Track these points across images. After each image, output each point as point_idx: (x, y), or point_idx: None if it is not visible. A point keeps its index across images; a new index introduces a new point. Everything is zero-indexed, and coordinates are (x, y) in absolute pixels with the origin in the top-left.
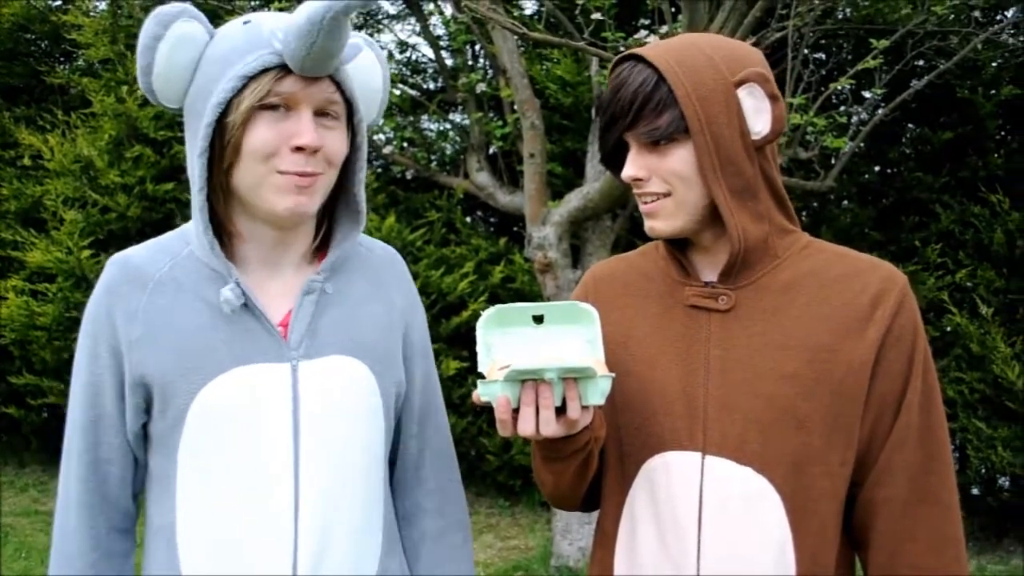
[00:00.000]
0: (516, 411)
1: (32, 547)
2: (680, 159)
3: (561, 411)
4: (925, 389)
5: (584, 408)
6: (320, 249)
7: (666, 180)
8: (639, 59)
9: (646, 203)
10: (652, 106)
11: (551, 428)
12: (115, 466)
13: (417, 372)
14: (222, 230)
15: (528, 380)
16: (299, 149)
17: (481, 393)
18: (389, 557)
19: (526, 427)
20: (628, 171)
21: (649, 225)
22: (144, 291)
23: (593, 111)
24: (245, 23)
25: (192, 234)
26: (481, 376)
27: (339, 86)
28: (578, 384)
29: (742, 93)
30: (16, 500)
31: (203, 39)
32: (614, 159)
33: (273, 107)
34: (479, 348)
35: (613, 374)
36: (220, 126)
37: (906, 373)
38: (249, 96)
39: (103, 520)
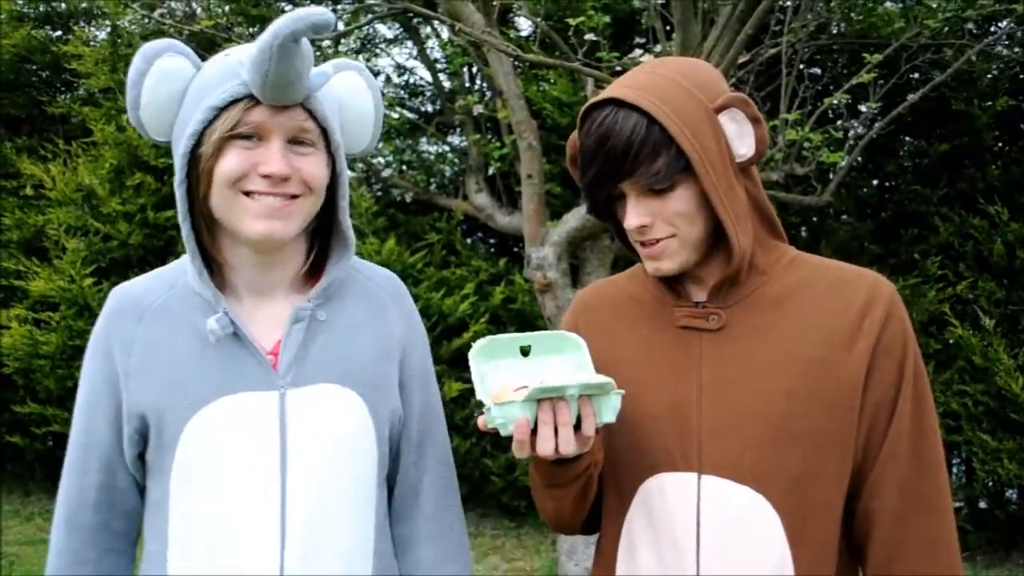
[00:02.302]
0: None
1: None
2: (681, 199)
3: (575, 429)
4: (916, 396)
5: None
6: (315, 276)
7: (670, 222)
8: (618, 103)
9: (649, 246)
10: (648, 151)
11: (571, 446)
12: (97, 491)
13: (415, 399)
14: (210, 259)
15: (545, 400)
16: (267, 176)
17: (496, 415)
18: None
19: (546, 446)
20: (634, 221)
21: (654, 267)
22: (139, 322)
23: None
24: (226, 55)
25: (187, 264)
26: (481, 404)
27: (311, 114)
28: (591, 401)
29: (723, 118)
30: (21, 529)
31: (189, 73)
32: (602, 207)
33: (245, 136)
34: (475, 378)
35: (623, 391)
36: (194, 156)
37: (897, 382)
38: (220, 126)
39: (78, 537)
